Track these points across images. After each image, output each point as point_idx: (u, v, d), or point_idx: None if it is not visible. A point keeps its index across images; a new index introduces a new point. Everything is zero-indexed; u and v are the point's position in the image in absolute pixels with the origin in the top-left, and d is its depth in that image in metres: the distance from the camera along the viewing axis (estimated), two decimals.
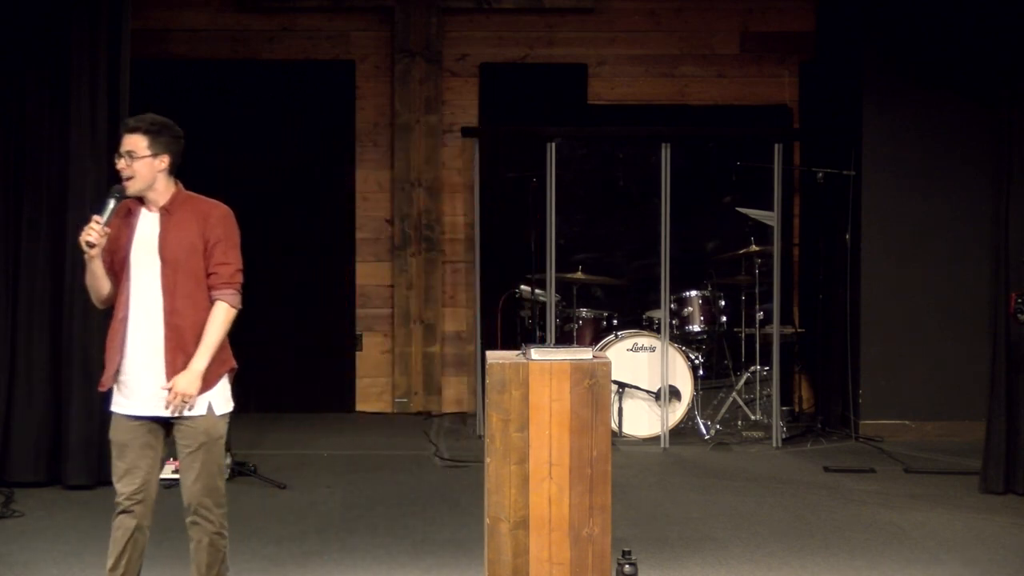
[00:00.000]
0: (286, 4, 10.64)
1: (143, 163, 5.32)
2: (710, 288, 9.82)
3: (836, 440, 9.53)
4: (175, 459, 8.25)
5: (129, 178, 5.27)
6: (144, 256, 5.17)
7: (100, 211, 5.15)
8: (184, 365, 5.10)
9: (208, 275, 5.19)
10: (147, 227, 5.23)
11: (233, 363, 5.32)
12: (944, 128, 9.65)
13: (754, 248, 9.78)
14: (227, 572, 5.45)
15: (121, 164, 5.27)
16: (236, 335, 8.51)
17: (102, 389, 5.31)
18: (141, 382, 5.16)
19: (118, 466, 5.27)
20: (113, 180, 7.95)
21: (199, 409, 5.19)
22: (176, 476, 8.07)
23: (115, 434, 5.26)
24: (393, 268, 10.75)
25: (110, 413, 5.30)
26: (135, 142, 5.32)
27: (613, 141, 10.71)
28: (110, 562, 5.25)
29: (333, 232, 10.81)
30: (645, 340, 9.52)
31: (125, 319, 5.15)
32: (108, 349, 5.21)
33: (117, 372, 5.19)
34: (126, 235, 5.21)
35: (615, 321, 9.88)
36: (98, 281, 5.21)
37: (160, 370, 5.13)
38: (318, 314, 10.83)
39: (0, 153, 7.94)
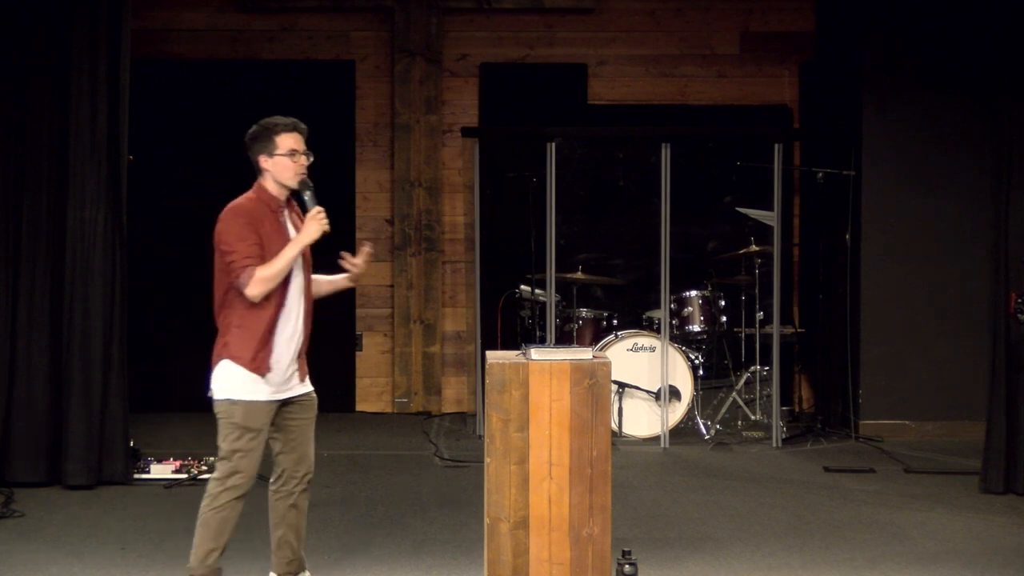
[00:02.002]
0: (286, 4, 10.64)
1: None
2: (710, 288, 9.82)
3: (836, 440, 9.54)
4: (175, 459, 8.31)
5: (304, 172, 5.69)
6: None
7: (306, 204, 5.65)
8: (305, 351, 5.81)
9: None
10: (290, 225, 5.69)
11: None
12: (944, 128, 9.65)
13: (754, 248, 9.78)
14: None
15: (305, 161, 5.72)
16: None
17: (259, 373, 5.56)
18: (283, 368, 5.63)
19: (257, 450, 5.61)
20: (113, 180, 8.01)
21: (311, 386, 5.80)
22: (177, 476, 8.13)
23: (255, 420, 5.58)
24: (393, 268, 10.76)
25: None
26: (303, 141, 5.73)
27: (613, 141, 10.71)
28: (222, 542, 5.64)
29: (333, 232, 10.76)
30: (645, 340, 9.52)
31: (279, 310, 5.61)
32: (256, 338, 5.55)
33: (269, 359, 5.57)
34: (279, 231, 5.60)
35: (615, 321, 9.88)
36: (285, 274, 5.62)
37: (294, 356, 5.69)
38: (318, 314, 10.77)
39: (0, 153, 7.93)
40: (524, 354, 5.27)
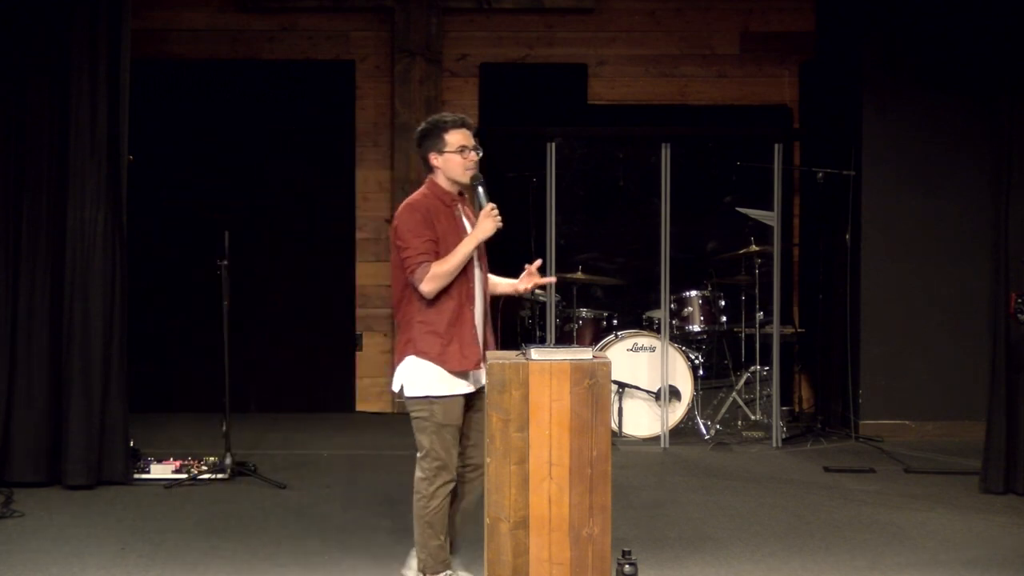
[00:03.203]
0: (286, 4, 10.64)
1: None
2: (710, 288, 9.82)
3: (836, 440, 9.53)
4: (175, 459, 8.31)
5: (474, 168, 5.72)
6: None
7: (479, 199, 5.64)
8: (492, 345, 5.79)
9: None
10: (464, 219, 5.71)
11: None
12: (944, 128, 9.65)
13: (754, 248, 9.78)
14: None
15: (475, 156, 5.72)
16: (235, 334, 8.56)
17: (447, 368, 5.59)
18: (471, 360, 5.64)
19: (453, 447, 5.67)
20: (113, 180, 8.01)
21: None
22: (177, 476, 8.13)
23: (453, 416, 5.64)
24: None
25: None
26: (472, 137, 5.74)
27: (613, 141, 10.71)
28: (444, 535, 5.68)
29: (333, 232, 10.82)
30: (645, 340, 9.52)
31: (462, 304, 5.61)
32: (441, 333, 5.58)
33: (458, 353, 5.59)
34: (455, 226, 5.63)
35: (615, 321, 9.88)
36: (460, 269, 5.60)
37: (480, 348, 5.67)
38: (318, 314, 10.83)
39: (0, 153, 7.93)
40: (524, 354, 5.27)
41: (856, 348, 9.74)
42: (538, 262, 5.92)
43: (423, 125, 5.74)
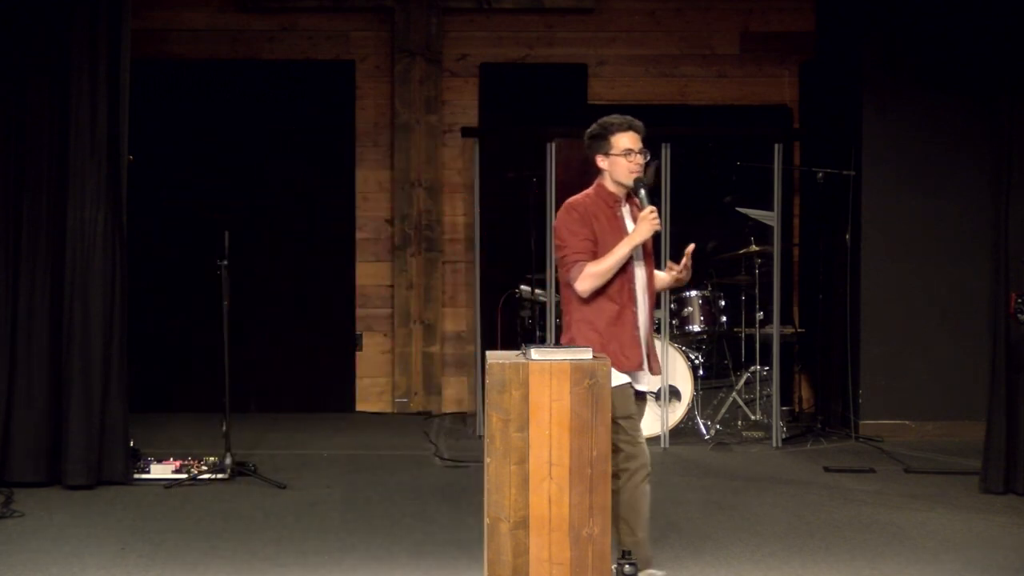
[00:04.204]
0: (286, 4, 10.64)
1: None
2: (710, 288, 9.82)
3: (836, 440, 9.53)
4: (175, 459, 8.31)
5: (639, 171, 5.73)
6: (637, 248, 5.67)
7: (641, 201, 5.66)
8: (655, 348, 5.83)
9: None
10: (627, 220, 5.72)
11: None
12: (944, 128, 9.65)
13: (754, 248, 9.78)
14: None
15: (641, 159, 5.72)
16: (236, 335, 8.56)
17: (625, 370, 5.61)
18: (634, 361, 5.67)
19: (635, 435, 5.66)
20: (113, 180, 8.01)
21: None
22: (177, 476, 8.13)
23: (626, 406, 5.64)
24: (393, 268, 10.76)
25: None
26: (640, 140, 5.75)
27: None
28: (643, 531, 5.68)
29: (333, 232, 10.82)
30: None
31: (623, 304, 5.62)
32: (600, 332, 5.60)
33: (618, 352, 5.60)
34: (616, 227, 5.64)
35: None
36: (616, 270, 5.61)
37: (644, 349, 5.70)
38: (318, 314, 10.83)
39: (0, 153, 7.93)
40: (524, 354, 5.27)
41: (856, 348, 9.74)
42: (692, 246, 5.92)
43: (592, 127, 5.81)
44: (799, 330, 10.39)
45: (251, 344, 10.34)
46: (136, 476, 8.01)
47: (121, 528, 7.02)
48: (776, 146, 9.40)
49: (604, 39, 10.82)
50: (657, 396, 9.39)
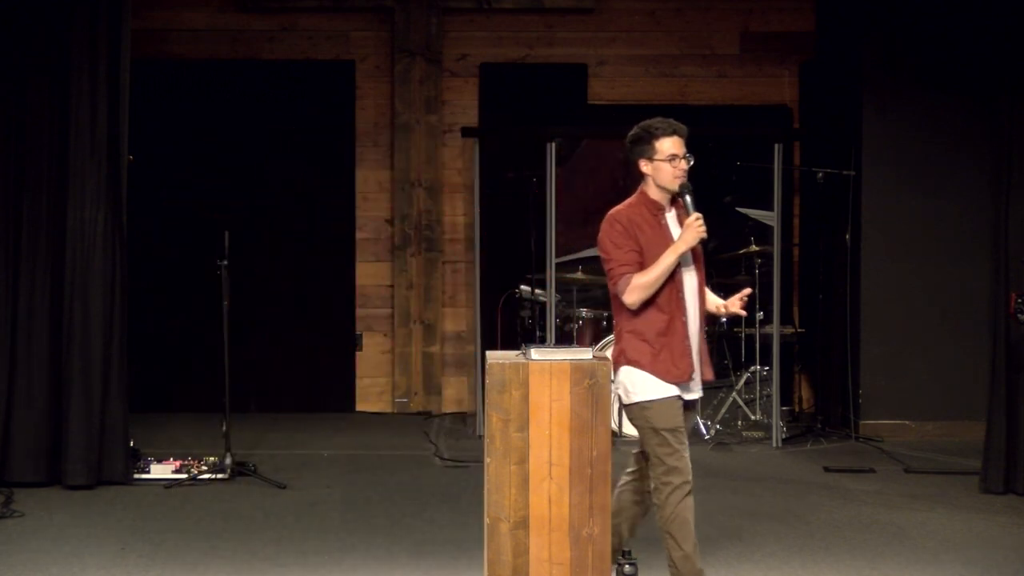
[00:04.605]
0: (286, 4, 10.64)
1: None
2: (710, 288, 9.79)
3: (836, 440, 9.53)
4: (175, 459, 8.31)
5: (683, 176, 5.60)
6: (684, 254, 5.54)
7: (687, 208, 5.54)
8: (707, 354, 5.67)
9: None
10: (673, 227, 5.58)
11: None
12: (944, 128, 9.64)
13: (754, 248, 9.77)
14: None
15: (685, 164, 5.61)
16: (236, 335, 8.56)
17: (660, 377, 5.49)
18: (685, 370, 5.54)
19: (685, 446, 5.57)
20: (113, 180, 8.01)
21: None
22: (177, 476, 8.13)
23: (670, 418, 5.53)
24: (393, 268, 10.76)
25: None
26: (684, 145, 5.63)
27: (613, 141, 10.69)
28: (690, 543, 5.55)
29: (333, 232, 10.82)
30: None
31: (672, 313, 5.50)
32: (650, 341, 5.48)
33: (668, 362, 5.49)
34: (661, 235, 5.52)
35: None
36: (663, 280, 5.49)
37: (695, 358, 5.57)
38: (318, 314, 10.83)
39: (0, 153, 7.93)
40: (524, 354, 5.27)
41: (856, 348, 9.74)
42: (747, 290, 5.86)
43: (634, 130, 5.65)
44: (799, 330, 10.39)
45: (251, 344, 10.34)
46: (136, 476, 8.01)
47: (121, 528, 7.02)
48: (776, 146, 9.40)
49: (604, 39, 10.82)
50: None
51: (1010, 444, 7.86)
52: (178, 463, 8.15)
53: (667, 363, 5.48)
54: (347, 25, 10.76)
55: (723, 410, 9.77)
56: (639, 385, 5.50)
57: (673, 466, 5.50)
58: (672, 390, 5.52)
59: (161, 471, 8.08)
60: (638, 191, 5.66)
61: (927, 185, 9.68)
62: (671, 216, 5.61)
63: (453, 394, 10.81)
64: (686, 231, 5.51)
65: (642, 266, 5.47)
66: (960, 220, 9.62)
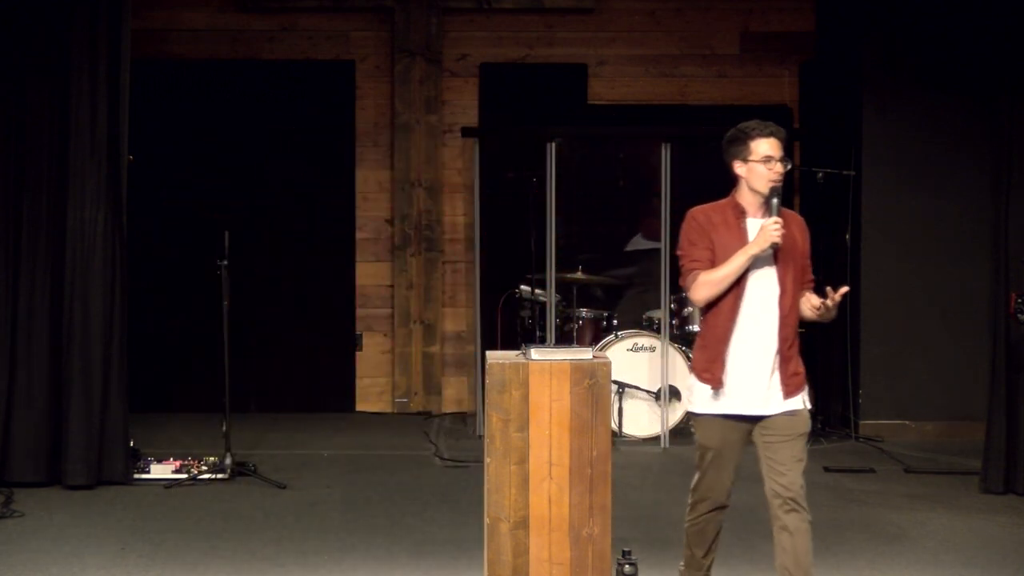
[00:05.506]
0: (286, 4, 10.64)
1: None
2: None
3: (836, 440, 9.53)
4: (175, 459, 8.31)
5: (777, 180, 5.41)
6: (759, 260, 5.32)
7: (771, 211, 5.33)
8: (792, 367, 5.46)
9: (805, 281, 5.48)
10: (755, 232, 5.35)
11: None
12: (944, 128, 9.64)
13: None
14: None
15: (781, 168, 5.42)
16: (236, 335, 8.56)
17: (711, 386, 5.37)
18: (745, 382, 5.34)
19: (716, 468, 5.47)
20: (113, 180, 8.01)
21: (802, 404, 5.44)
22: (177, 476, 8.12)
23: (708, 436, 5.44)
24: (393, 268, 10.76)
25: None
26: (781, 147, 5.45)
27: (613, 141, 10.71)
28: (701, 551, 5.52)
29: (333, 232, 10.82)
30: (645, 340, 9.52)
31: (735, 320, 5.32)
32: (709, 348, 5.36)
33: (723, 372, 5.34)
34: (738, 238, 5.34)
35: (615, 321, 9.87)
36: (731, 280, 5.31)
37: (767, 371, 5.35)
38: (318, 314, 10.83)
39: (0, 153, 7.93)
40: (524, 354, 5.27)
41: (856, 348, 9.74)
42: (845, 288, 5.53)
43: (731, 131, 5.51)
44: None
45: (251, 344, 10.34)
46: (136, 476, 8.01)
47: (121, 528, 7.02)
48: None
49: (604, 39, 10.81)
50: (657, 396, 9.40)
51: (1010, 444, 7.87)
52: (178, 463, 8.15)
53: (718, 373, 5.34)
54: (347, 25, 10.76)
55: None
56: (695, 394, 5.43)
57: (703, 483, 5.47)
58: (718, 407, 5.36)
59: (161, 471, 8.08)
60: (730, 193, 5.50)
61: (927, 185, 9.68)
62: (754, 223, 5.38)
63: (453, 394, 10.81)
64: (759, 234, 5.29)
65: (713, 265, 5.32)
66: (960, 220, 9.62)
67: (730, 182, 5.52)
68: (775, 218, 5.31)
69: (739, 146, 5.45)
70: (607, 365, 5.23)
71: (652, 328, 9.69)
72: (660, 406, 9.37)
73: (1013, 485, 7.86)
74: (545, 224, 9.45)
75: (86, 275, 7.91)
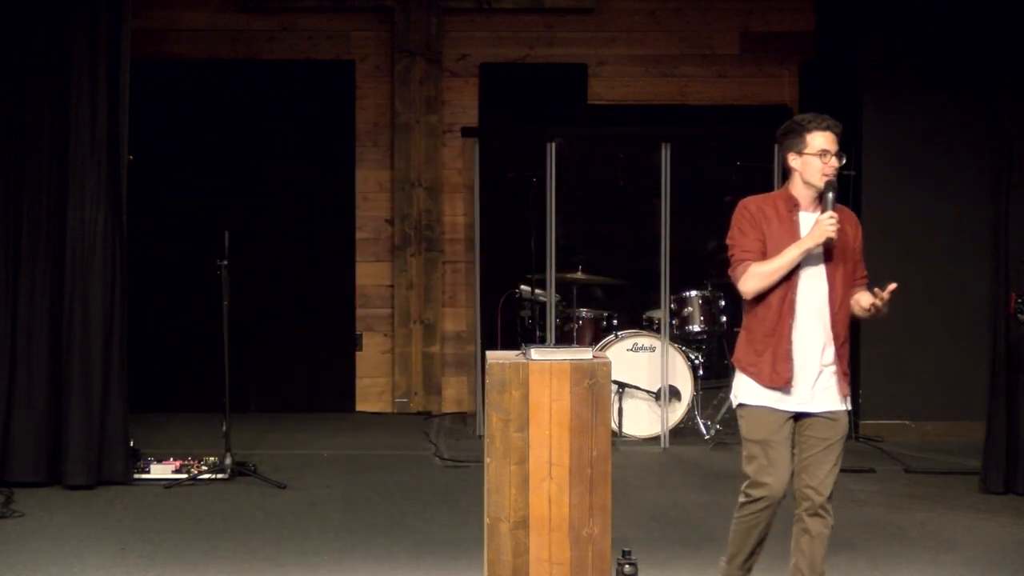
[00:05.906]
0: (286, 4, 10.64)
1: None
2: (710, 288, 9.81)
3: None
4: (175, 459, 8.31)
5: (831, 174, 5.36)
6: (811, 255, 5.28)
7: (826, 206, 5.27)
8: (841, 366, 5.38)
9: (857, 279, 5.44)
10: (807, 227, 5.30)
11: None
12: (944, 128, 9.64)
13: None
14: None
15: (836, 162, 5.39)
16: (235, 334, 8.56)
17: (757, 380, 5.32)
18: (796, 378, 5.30)
19: (770, 461, 5.34)
20: (113, 180, 8.01)
21: (844, 404, 5.39)
22: (177, 476, 8.12)
23: (756, 428, 5.35)
24: (393, 268, 10.76)
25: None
26: (836, 141, 5.42)
27: (613, 141, 10.71)
28: (742, 557, 5.45)
29: (333, 232, 10.82)
30: (645, 340, 9.52)
31: (782, 314, 5.28)
32: (755, 341, 5.33)
33: (769, 365, 5.30)
34: (790, 231, 5.29)
35: (615, 321, 9.87)
36: (783, 274, 5.27)
37: (814, 369, 5.30)
38: (318, 314, 10.83)
39: (0, 153, 7.93)
40: (524, 354, 5.27)
41: (856, 348, 9.72)
42: (893, 285, 5.48)
43: (786, 124, 5.44)
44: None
45: (251, 344, 10.33)
46: (136, 476, 8.01)
47: (121, 528, 7.02)
48: (776, 146, 9.38)
49: (604, 39, 10.82)
50: (657, 396, 9.40)
51: (1010, 444, 7.87)
52: (178, 463, 8.15)
53: (767, 367, 5.28)
54: (347, 25, 10.76)
55: (723, 410, 9.76)
56: (741, 386, 5.39)
57: (754, 478, 5.36)
58: (768, 399, 5.31)
59: (161, 471, 8.08)
60: (784, 186, 5.47)
61: (927, 185, 9.68)
62: (806, 216, 5.34)
63: (453, 394, 10.81)
64: (814, 228, 5.24)
65: (764, 256, 5.28)
66: (960, 220, 9.62)
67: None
68: (830, 212, 5.26)
69: (794, 139, 5.39)
70: (607, 365, 5.23)
71: (652, 328, 9.70)
72: (660, 406, 9.37)
73: (1013, 485, 7.86)
74: (545, 224, 9.45)
75: (86, 275, 7.91)
